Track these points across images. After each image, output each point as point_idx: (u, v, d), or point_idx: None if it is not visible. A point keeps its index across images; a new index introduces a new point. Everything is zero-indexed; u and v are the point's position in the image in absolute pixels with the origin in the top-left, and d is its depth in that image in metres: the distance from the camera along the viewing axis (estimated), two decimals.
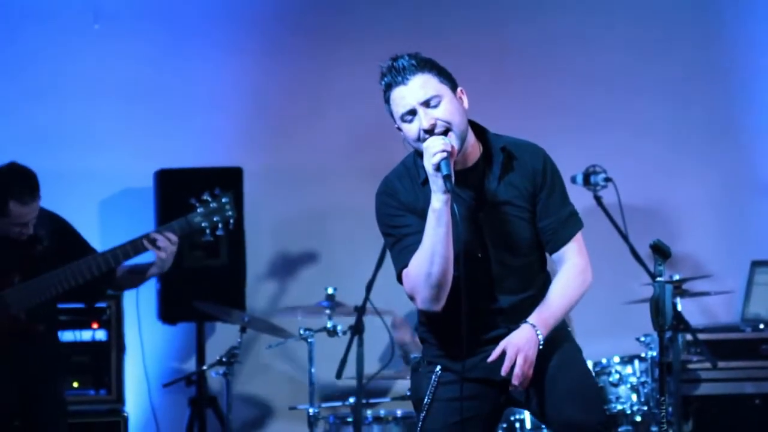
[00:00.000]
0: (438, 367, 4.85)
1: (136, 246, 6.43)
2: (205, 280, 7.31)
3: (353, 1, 8.34)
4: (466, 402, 4.82)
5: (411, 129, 4.68)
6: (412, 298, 4.84)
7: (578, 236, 4.91)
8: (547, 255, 4.92)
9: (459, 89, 4.76)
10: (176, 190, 7.40)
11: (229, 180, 7.54)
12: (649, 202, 8.00)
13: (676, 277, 6.99)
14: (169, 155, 7.78)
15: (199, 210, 6.52)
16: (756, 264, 7.99)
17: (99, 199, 7.96)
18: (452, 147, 4.64)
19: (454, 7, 8.30)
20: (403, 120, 4.71)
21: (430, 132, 4.65)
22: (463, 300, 4.79)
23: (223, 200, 6.56)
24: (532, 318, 4.73)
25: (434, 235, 4.61)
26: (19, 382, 6.37)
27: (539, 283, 4.88)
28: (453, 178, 4.57)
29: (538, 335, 4.69)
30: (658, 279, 5.10)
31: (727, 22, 8.52)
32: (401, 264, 4.79)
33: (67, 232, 6.63)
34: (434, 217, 4.59)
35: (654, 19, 8.43)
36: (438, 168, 4.56)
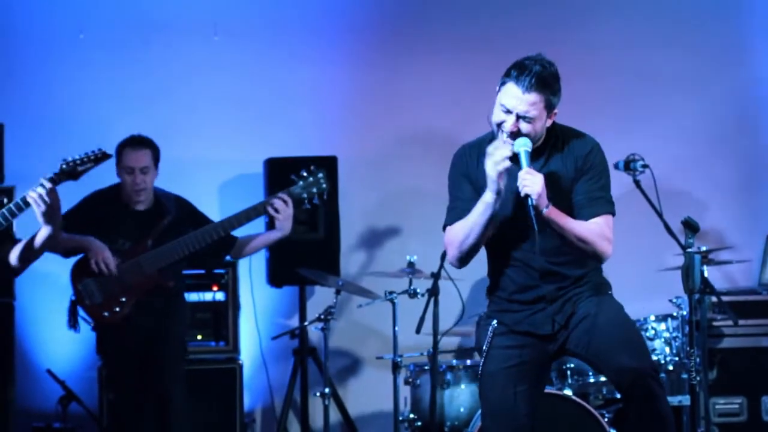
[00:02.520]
0: (494, 321, 4.89)
1: (248, 214, 6.53)
2: (306, 251, 7.36)
3: (424, 16, 8.20)
4: (516, 350, 4.86)
5: (498, 115, 4.70)
6: (445, 251, 4.95)
7: (607, 217, 4.82)
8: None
9: (554, 111, 4.74)
10: (282, 175, 7.35)
11: (325, 167, 7.38)
12: (680, 185, 7.88)
13: (703, 249, 6.73)
14: (276, 146, 7.76)
15: (299, 183, 6.61)
16: None
17: (218, 183, 7.99)
18: (512, 154, 4.63)
19: (512, 15, 8.19)
20: (498, 105, 4.71)
21: (511, 135, 4.68)
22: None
23: (319, 175, 6.63)
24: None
25: (477, 218, 4.67)
26: (148, 329, 6.49)
27: (580, 259, 4.84)
28: (503, 192, 4.59)
29: (548, 203, 4.60)
30: (689, 250, 5.27)
31: (750, 28, 8.41)
32: (446, 221, 4.86)
33: (190, 209, 6.78)
34: (482, 207, 4.65)
35: (685, 22, 8.29)
36: (499, 176, 4.59)
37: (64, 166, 5.44)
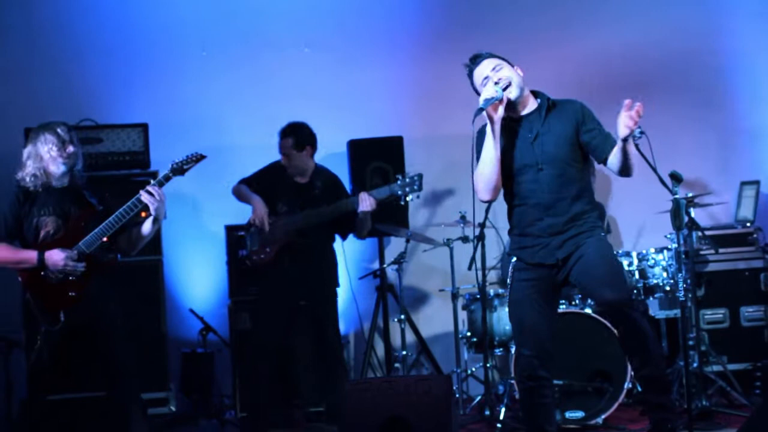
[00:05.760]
0: (514, 258, 5.13)
1: (350, 204, 6.83)
2: (382, 210, 7.27)
3: (479, 17, 8.31)
4: (532, 282, 5.04)
5: (487, 88, 5.00)
6: (488, 204, 5.33)
7: None
8: (598, 165, 5.11)
9: (515, 67, 5.09)
10: (361, 153, 7.81)
11: (393, 144, 7.82)
12: (671, 146, 7.69)
13: (689, 195, 6.98)
14: (355, 129, 8.03)
15: (398, 182, 6.79)
16: (743, 183, 8.12)
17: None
18: (504, 96, 4.89)
19: (525, 13, 8.30)
20: (482, 85, 5.01)
21: (497, 83, 4.98)
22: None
23: (415, 177, 6.80)
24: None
25: (488, 148, 4.94)
26: (296, 273, 6.84)
27: (577, 192, 5.00)
28: (485, 111, 4.85)
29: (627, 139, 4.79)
30: (675, 196, 5.60)
31: (720, 15, 8.48)
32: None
33: (336, 184, 7.07)
34: (489, 137, 4.96)
35: (665, 14, 8.37)
36: (489, 102, 4.90)
37: (174, 167, 5.64)
